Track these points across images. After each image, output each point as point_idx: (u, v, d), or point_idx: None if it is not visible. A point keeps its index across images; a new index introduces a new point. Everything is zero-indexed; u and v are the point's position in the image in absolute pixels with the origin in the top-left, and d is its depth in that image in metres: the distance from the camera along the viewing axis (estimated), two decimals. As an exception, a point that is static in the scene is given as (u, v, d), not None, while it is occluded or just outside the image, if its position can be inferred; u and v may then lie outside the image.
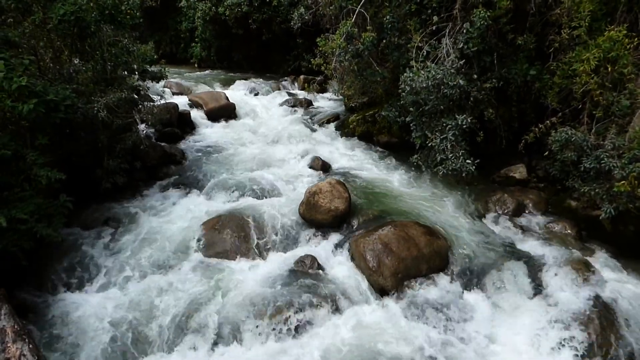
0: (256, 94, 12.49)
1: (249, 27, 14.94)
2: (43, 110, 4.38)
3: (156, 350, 4.08)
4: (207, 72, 16.05)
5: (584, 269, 4.76)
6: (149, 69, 7.66)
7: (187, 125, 9.31)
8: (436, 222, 5.70)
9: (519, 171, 6.76)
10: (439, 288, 4.78)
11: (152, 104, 7.27)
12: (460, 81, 5.86)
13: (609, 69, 5.23)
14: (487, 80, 6.27)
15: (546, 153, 5.86)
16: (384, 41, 7.02)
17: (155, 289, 4.66)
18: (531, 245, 5.39)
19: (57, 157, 5.08)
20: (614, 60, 5.19)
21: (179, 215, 6.01)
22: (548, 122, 5.83)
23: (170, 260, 5.17)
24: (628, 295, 4.51)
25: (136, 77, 7.26)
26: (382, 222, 5.54)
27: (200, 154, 8.15)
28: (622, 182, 4.72)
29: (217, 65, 17.32)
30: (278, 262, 5.18)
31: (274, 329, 4.25)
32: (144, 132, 7.40)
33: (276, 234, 5.58)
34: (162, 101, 8.28)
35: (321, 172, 7.41)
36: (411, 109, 6.46)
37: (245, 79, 13.90)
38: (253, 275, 4.92)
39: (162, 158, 7.44)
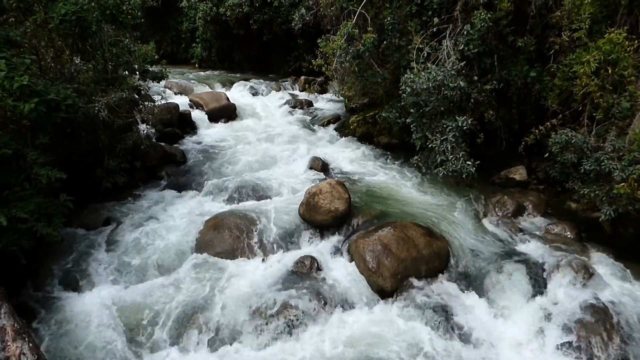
0: (257, 95, 12.50)
1: (250, 28, 14.96)
2: (44, 110, 4.39)
3: (155, 349, 4.08)
4: (207, 72, 16.06)
5: (584, 271, 4.75)
6: (150, 69, 7.69)
7: (187, 126, 9.33)
8: (436, 223, 5.70)
9: (519, 173, 6.76)
10: (438, 289, 4.79)
11: (152, 104, 7.28)
12: (461, 83, 5.87)
13: (609, 71, 5.24)
14: (488, 82, 6.28)
15: (546, 155, 5.86)
16: (385, 42, 7.03)
17: (155, 288, 4.66)
18: (531, 247, 5.39)
19: (57, 157, 5.09)
20: (614, 62, 5.20)
21: (179, 215, 6.01)
22: (548, 124, 5.85)
23: (170, 260, 5.17)
24: (627, 298, 4.51)
25: (137, 77, 7.28)
26: (381, 223, 5.54)
27: (200, 154, 8.16)
28: (622, 184, 4.72)
29: (218, 65, 17.33)
30: (278, 262, 5.18)
31: (273, 329, 4.25)
32: (145, 132, 7.41)
33: (276, 235, 5.58)
34: (163, 101, 8.29)
35: (321, 173, 7.42)
36: (411, 110, 6.47)
37: (246, 80, 13.92)
38: (253, 276, 4.92)
39: (162, 158, 7.45)
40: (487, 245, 5.40)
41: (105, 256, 5.18)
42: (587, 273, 4.75)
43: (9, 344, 3.22)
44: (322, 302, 4.54)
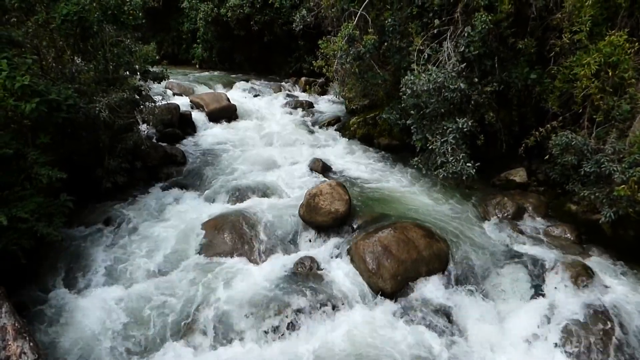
0: (257, 96, 12.52)
1: (251, 29, 14.98)
2: (45, 110, 4.40)
3: (155, 349, 4.08)
4: (208, 73, 16.07)
5: (584, 273, 4.75)
6: (151, 70, 7.69)
7: (188, 126, 9.33)
8: (436, 224, 5.70)
9: (519, 175, 6.77)
10: (438, 291, 4.78)
11: (153, 104, 7.28)
12: (461, 84, 5.88)
13: (610, 74, 5.25)
14: (488, 83, 6.29)
15: (546, 157, 5.87)
16: (386, 44, 7.04)
17: (154, 288, 4.66)
18: (531, 249, 5.38)
19: (58, 157, 5.10)
20: (615, 64, 5.21)
21: (179, 215, 6.02)
22: (548, 126, 5.85)
23: (170, 260, 5.17)
24: (627, 300, 4.51)
25: (138, 77, 7.28)
26: (382, 225, 5.54)
27: (201, 155, 8.16)
28: (622, 186, 4.73)
29: (219, 66, 17.35)
30: (278, 263, 5.18)
31: (272, 330, 4.25)
32: (145, 132, 7.41)
33: (276, 236, 5.59)
34: (164, 102, 8.30)
35: (321, 174, 7.42)
36: (412, 111, 6.47)
37: (247, 81, 13.94)
38: (252, 277, 4.92)
39: (163, 158, 7.45)
40: (487, 247, 5.40)
41: (105, 256, 5.18)
42: (587, 275, 4.75)
43: (9, 343, 3.23)
44: (322, 303, 4.54)
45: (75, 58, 6.21)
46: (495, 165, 6.88)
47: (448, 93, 5.91)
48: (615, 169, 4.90)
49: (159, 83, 8.83)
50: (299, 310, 4.41)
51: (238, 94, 12.32)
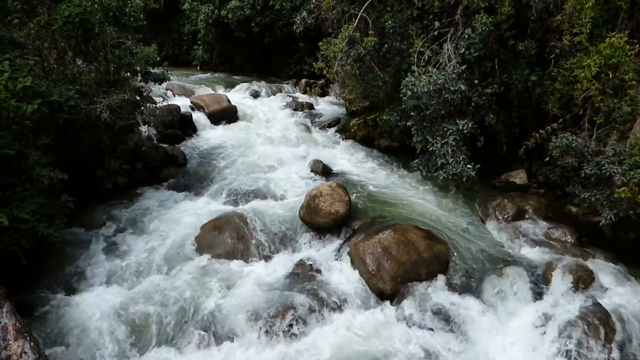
0: (258, 97, 12.53)
1: (252, 31, 15.01)
2: (47, 111, 4.41)
3: (155, 349, 4.08)
4: (209, 74, 16.10)
5: (584, 276, 4.75)
6: (152, 71, 7.70)
7: (188, 127, 9.34)
8: (436, 226, 5.70)
9: (519, 177, 6.77)
10: (438, 292, 4.78)
11: (154, 105, 7.29)
12: (462, 86, 5.88)
13: (610, 76, 5.25)
14: (488, 85, 6.30)
15: (547, 159, 5.87)
16: (386, 46, 7.06)
17: (154, 289, 4.66)
18: (531, 251, 5.39)
19: (59, 157, 5.11)
20: (615, 66, 5.21)
21: (180, 216, 6.02)
22: (549, 127, 5.85)
23: (170, 261, 5.18)
24: (628, 302, 4.50)
25: (139, 78, 7.29)
26: (382, 226, 5.54)
27: (201, 156, 8.17)
28: (623, 188, 4.72)
29: (219, 68, 17.38)
30: (277, 264, 5.18)
31: (272, 331, 4.25)
32: (146, 133, 7.42)
33: (276, 237, 5.59)
34: (164, 103, 8.31)
35: (322, 175, 7.42)
36: (412, 113, 6.48)
37: (247, 82, 13.95)
38: (252, 278, 4.92)
39: (163, 159, 7.46)
40: (487, 248, 5.40)
41: (105, 257, 5.19)
42: (588, 277, 4.74)
43: (10, 342, 3.23)
44: (322, 304, 4.54)
45: (77, 59, 6.23)
46: (495, 167, 6.88)
47: (448, 95, 5.92)
48: (615, 171, 4.89)
49: (160, 84, 8.85)
50: (298, 312, 4.40)
51: (239, 96, 12.34)
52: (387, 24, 6.87)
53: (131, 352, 4.03)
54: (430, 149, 6.28)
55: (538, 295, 4.72)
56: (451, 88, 5.87)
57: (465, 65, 6.06)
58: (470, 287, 4.90)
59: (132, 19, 6.46)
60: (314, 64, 8.23)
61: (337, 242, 5.57)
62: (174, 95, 11.59)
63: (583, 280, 4.69)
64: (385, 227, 5.47)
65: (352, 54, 6.83)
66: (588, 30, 5.42)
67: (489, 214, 6.21)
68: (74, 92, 5.05)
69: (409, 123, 6.68)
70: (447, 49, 6.28)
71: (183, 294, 4.59)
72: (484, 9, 5.93)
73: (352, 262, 5.14)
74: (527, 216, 6.14)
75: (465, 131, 5.97)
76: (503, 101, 6.59)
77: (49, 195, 4.63)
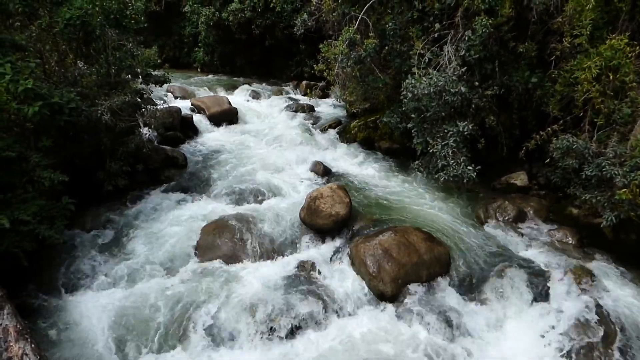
0: (258, 99, 12.55)
1: (252, 33, 15.05)
2: (48, 113, 4.42)
3: (155, 350, 4.08)
4: (210, 76, 16.14)
5: (585, 277, 4.74)
6: (153, 73, 7.70)
7: (189, 129, 9.36)
8: (437, 228, 5.70)
9: (520, 178, 6.76)
10: (439, 294, 4.78)
11: (155, 107, 7.29)
12: (462, 88, 5.89)
13: (611, 77, 5.26)
14: (489, 87, 6.30)
15: (547, 160, 5.87)
16: (386, 48, 7.07)
17: (155, 290, 4.66)
18: (532, 253, 5.38)
19: (60, 159, 5.11)
20: (616, 68, 5.22)
21: (180, 218, 6.02)
22: (549, 129, 5.85)
23: (170, 262, 5.18)
24: (629, 304, 4.50)
25: (140, 80, 7.30)
26: (382, 228, 5.54)
27: (202, 157, 8.18)
28: (624, 190, 4.72)
29: (220, 70, 17.42)
30: (278, 266, 5.18)
31: (272, 332, 4.25)
32: (147, 135, 7.42)
33: (277, 239, 5.58)
34: (165, 105, 8.32)
35: (322, 177, 7.43)
36: (413, 115, 6.49)
37: (248, 84, 13.98)
38: (252, 279, 4.91)
39: (164, 161, 7.47)
40: (488, 250, 5.39)
41: (105, 259, 5.19)
42: (589, 279, 4.74)
43: (11, 344, 3.23)
44: (322, 306, 4.53)
45: (78, 62, 6.24)
46: (496, 168, 6.88)
47: (449, 97, 5.92)
48: (616, 172, 4.89)
49: (161, 86, 8.84)
50: (299, 314, 4.40)
51: (239, 98, 12.36)
52: (387, 26, 6.89)
53: (131, 354, 4.03)
54: (431, 150, 6.28)
55: (539, 296, 4.71)
56: (451, 90, 5.87)
57: (465, 67, 6.07)
58: (471, 288, 4.90)
59: (133, 21, 6.48)
60: (314, 66, 8.26)
61: (337, 244, 5.57)
62: (175, 98, 11.63)
63: (584, 282, 4.68)
64: (386, 228, 5.46)
65: (352, 56, 6.85)
66: (588, 32, 5.43)
67: (490, 215, 6.20)
68: (75, 94, 5.05)
69: (409, 125, 6.68)
70: (448, 51, 6.29)
71: (183, 296, 4.59)
72: (484, 11, 5.94)
73: (353, 264, 5.13)
74: (527, 218, 6.14)
75: (465, 133, 5.98)
76: (503, 103, 6.59)
77: (50, 197, 4.64)
